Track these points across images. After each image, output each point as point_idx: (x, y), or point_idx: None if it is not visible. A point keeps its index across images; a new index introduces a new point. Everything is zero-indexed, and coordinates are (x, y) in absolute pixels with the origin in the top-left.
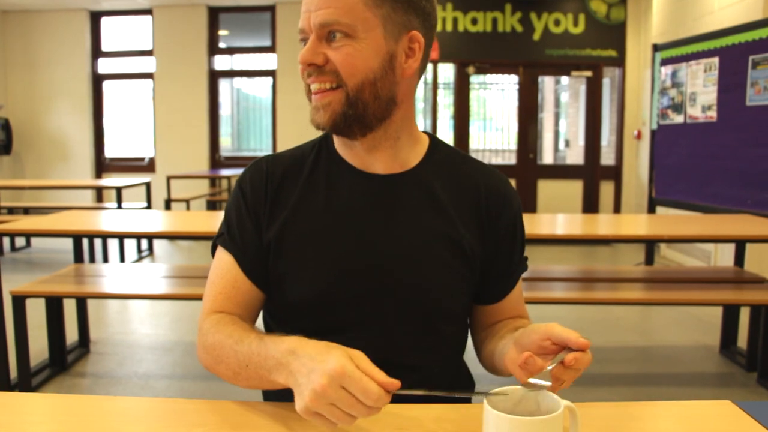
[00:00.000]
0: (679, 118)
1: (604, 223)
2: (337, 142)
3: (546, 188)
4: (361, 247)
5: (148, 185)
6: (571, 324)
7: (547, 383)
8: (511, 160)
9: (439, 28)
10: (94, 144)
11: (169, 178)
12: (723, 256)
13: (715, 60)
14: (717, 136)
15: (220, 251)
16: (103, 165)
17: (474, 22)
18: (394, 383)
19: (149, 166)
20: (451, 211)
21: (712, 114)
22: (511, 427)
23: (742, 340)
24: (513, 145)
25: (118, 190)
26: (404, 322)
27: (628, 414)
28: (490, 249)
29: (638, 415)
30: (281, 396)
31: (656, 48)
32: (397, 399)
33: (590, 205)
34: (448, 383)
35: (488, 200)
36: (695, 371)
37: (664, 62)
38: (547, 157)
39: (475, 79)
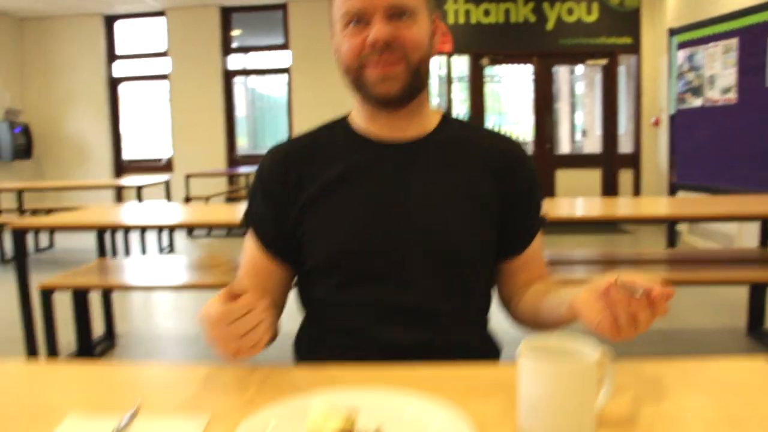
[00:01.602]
0: (697, 102)
1: (624, 206)
2: (362, 116)
3: (564, 178)
4: (383, 202)
5: (167, 183)
6: None
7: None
8: (528, 151)
9: (451, 20)
10: (113, 146)
11: (188, 177)
12: (746, 241)
13: (734, 41)
14: (737, 118)
15: (247, 237)
16: (121, 167)
17: (486, 13)
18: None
19: (167, 167)
20: (468, 168)
21: (732, 96)
22: (545, 374)
23: None
24: (529, 136)
25: (139, 189)
26: (431, 270)
27: (660, 371)
28: (508, 202)
29: (671, 372)
30: (311, 354)
31: (672, 32)
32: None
33: (609, 193)
34: (478, 338)
35: (503, 160)
36: (721, 353)
37: (681, 46)
38: (564, 148)
39: (489, 72)
